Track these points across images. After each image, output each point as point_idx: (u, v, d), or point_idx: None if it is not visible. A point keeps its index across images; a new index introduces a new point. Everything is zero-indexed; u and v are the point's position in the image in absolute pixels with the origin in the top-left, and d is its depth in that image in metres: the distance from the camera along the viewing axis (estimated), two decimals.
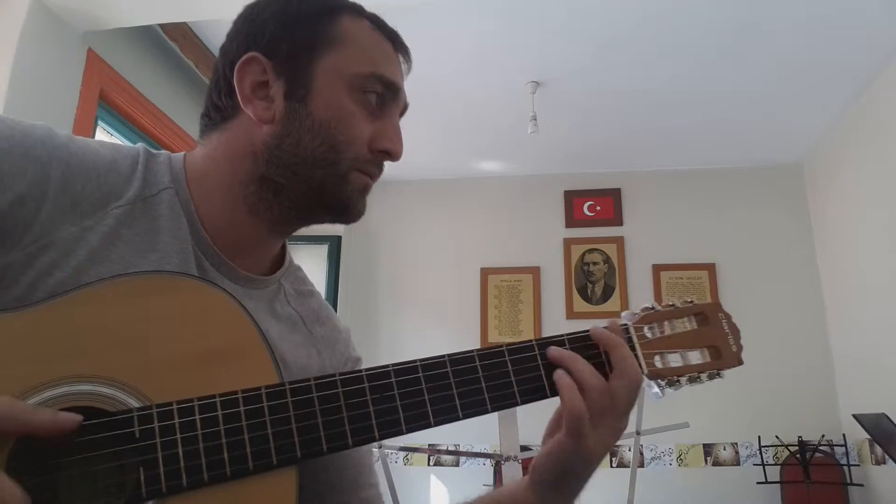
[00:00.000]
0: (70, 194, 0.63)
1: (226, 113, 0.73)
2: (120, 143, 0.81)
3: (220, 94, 0.73)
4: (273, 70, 0.70)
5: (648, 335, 0.72)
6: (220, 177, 0.72)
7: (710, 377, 0.73)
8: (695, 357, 0.73)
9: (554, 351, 0.67)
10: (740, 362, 0.74)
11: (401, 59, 0.77)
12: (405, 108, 0.78)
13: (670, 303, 0.75)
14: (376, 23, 0.75)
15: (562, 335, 0.69)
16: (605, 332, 0.69)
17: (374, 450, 3.07)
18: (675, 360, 0.72)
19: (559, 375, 0.65)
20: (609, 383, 0.65)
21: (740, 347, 0.74)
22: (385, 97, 0.72)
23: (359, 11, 0.74)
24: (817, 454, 3.28)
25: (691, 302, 0.75)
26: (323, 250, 4.09)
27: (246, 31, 0.73)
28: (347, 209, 0.73)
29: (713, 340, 0.74)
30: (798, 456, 3.21)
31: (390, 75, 0.73)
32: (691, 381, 0.72)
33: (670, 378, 0.71)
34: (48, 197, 0.61)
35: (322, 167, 0.70)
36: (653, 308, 0.74)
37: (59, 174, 0.62)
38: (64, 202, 0.62)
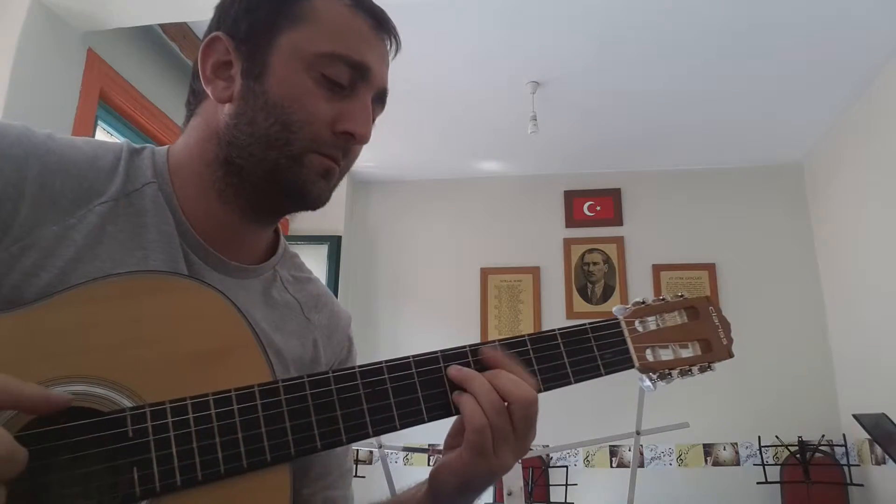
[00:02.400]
0: (48, 192, 0.62)
1: (199, 97, 0.72)
2: (103, 139, 0.80)
3: (195, 78, 0.72)
4: (235, 49, 0.69)
5: (639, 329, 0.72)
6: (193, 163, 0.71)
7: (702, 370, 0.73)
8: (686, 350, 0.73)
9: (454, 370, 0.64)
10: (731, 355, 0.74)
11: (384, 39, 0.73)
12: (383, 91, 0.73)
13: (661, 297, 0.75)
14: (356, 1, 0.71)
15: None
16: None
17: (373, 450, 3.06)
18: (666, 353, 0.72)
19: (458, 395, 0.63)
20: (506, 405, 0.63)
21: (730, 340, 0.75)
22: (353, 78, 0.68)
23: None
24: (817, 454, 3.27)
25: (682, 296, 0.76)
26: (323, 250, 4.09)
27: (217, 13, 0.72)
28: (303, 193, 0.69)
29: (703, 334, 0.74)
30: (798, 456, 3.21)
31: (357, 55, 0.68)
32: (682, 374, 0.72)
33: (661, 371, 0.72)
34: (25, 196, 0.60)
35: (276, 147, 0.66)
36: (643, 302, 0.74)
37: (35, 172, 0.61)
38: (42, 200, 0.61)
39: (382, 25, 0.72)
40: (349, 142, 0.70)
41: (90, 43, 2.43)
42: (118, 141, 0.73)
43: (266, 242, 0.78)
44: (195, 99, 0.73)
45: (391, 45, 0.74)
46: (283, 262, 0.80)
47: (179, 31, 2.80)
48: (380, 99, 0.74)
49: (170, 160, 0.72)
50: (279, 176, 0.68)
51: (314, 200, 0.70)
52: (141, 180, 0.68)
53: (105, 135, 2.68)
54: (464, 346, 0.66)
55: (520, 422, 0.63)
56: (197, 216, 0.70)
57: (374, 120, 0.73)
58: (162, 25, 2.71)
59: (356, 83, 0.69)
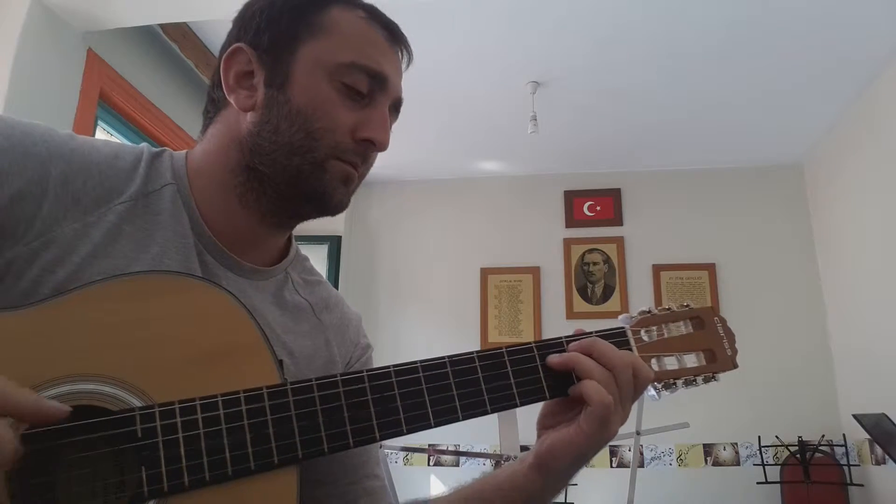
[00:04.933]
0: (71, 191, 0.63)
1: (218, 105, 0.74)
2: (123, 142, 0.81)
3: (215, 87, 0.74)
4: (257, 60, 0.71)
5: (645, 338, 0.73)
6: (214, 169, 0.73)
7: (706, 380, 0.74)
8: (690, 360, 0.74)
9: (555, 358, 0.67)
10: (735, 366, 0.75)
11: (398, 51, 0.76)
12: (398, 101, 0.76)
13: (666, 306, 0.76)
14: (371, 13, 0.74)
15: (559, 338, 0.69)
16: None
17: None
18: (671, 363, 0.73)
19: (583, 382, 0.66)
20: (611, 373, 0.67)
21: (735, 351, 0.75)
22: (371, 87, 0.71)
23: (351, 2, 0.74)
24: (817, 454, 3.28)
25: (687, 306, 0.76)
26: (323, 250, 4.09)
27: (237, 25, 0.74)
28: (325, 198, 0.71)
29: (708, 344, 0.75)
30: (798, 456, 3.21)
31: (375, 65, 0.71)
32: (687, 384, 0.73)
33: (667, 381, 0.72)
34: (48, 193, 0.62)
35: (299, 154, 0.69)
36: (649, 311, 0.75)
37: (59, 171, 0.63)
38: (65, 198, 0.63)
39: (396, 37, 0.75)
40: (369, 149, 0.72)
41: (90, 43, 2.42)
42: (138, 145, 0.74)
43: (280, 246, 0.80)
44: (214, 108, 0.75)
45: (403, 57, 0.77)
46: (294, 265, 0.81)
47: (179, 31, 2.79)
48: (395, 108, 0.76)
49: (188, 164, 0.73)
50: (302, 182, 0.70)
51: (335, 205, 0.73)
52: (160, 182, 0.70)
53: (105, 135, 2.68)
54: (471, 352, 0.66)
55: (626, 386, 0.66)
56: (215, 219, 0.72)
57: (390, 128, 0.75)
58: (162, 25, 2.71)
59: (374, 92, 0.72)
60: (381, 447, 2.83)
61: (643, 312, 0.75)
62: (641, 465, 3.58)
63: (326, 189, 0.71)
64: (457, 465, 3.81)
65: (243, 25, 0.73)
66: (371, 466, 0.80)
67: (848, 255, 3.48)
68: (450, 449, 3.62)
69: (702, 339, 0.75)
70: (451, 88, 3.28)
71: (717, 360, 0.74)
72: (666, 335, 0.74)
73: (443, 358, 0.65)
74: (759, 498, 3.39)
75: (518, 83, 3.22)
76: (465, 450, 3.57)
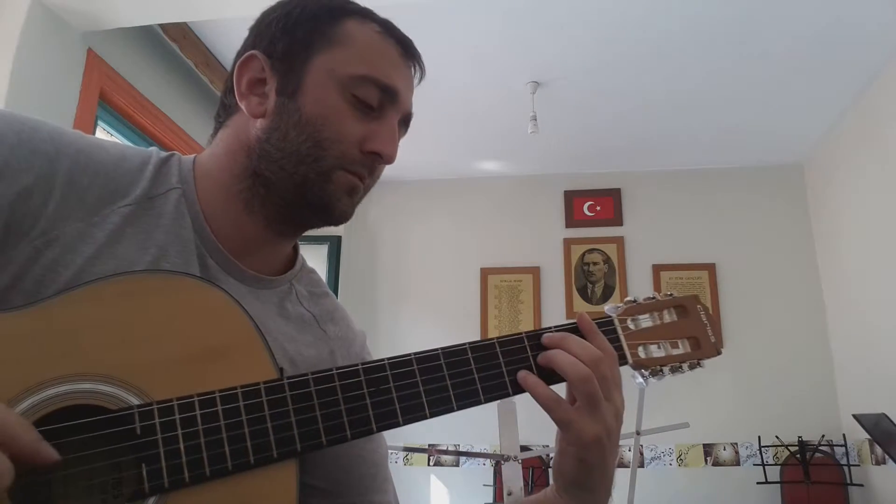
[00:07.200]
0: (76, 189, 0.63)
1: (230, 111, 0.75)
2: (130, 144, 0.82)
3: (227, 93, 0.75)
4: (270, 67, 0.72)
5: (632, 327, 0.74)
6: (220, 173, 0.73)
7: (691, 367, 0.76)
8: (676, 348, 0.76)
9: (546, 337, 0.68)
10: (718, 352, 0.77)
11: (411, 66, 0.76)
12: (408, 116, 0.77)
13: (651, 295, 0.78)
14: (386, 27, 0.74)
15: (549, 328, 0.70)
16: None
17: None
18: (657, 350, 0.74)
19: (554, 353, 0.66)
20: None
21: (718, 338, 0.77)
22: (382, 100, 0.72)
23: (366, 15, 0.74)
24: (817, 454, 3.28)
25: (671, 295, 0.78)
26: (323, 250, 4.09)
27: (254, 33, 0.75)
28: (329, 208, 0.72)
29: (693, 331, 0.77)
30: (798, 456, 3.22)
31: (387, 79, 0.71)
32: (673, 370, 0.75)
33: (653, 368, 0.74)
34: (54, 191, 0.62)
35: (306, 163, 0.69)
36: (635, 301, 0.77)
37: (65, 169, 0.63)
38: (70, 197, 0.63)
39: (409, 53, 0.76)
40: (376, 161, 0.73)
41: (90, 43, 2.43)
42: (147, 148, 0.75)
43: (285, 256, 0.80)
44: (225, 112, 0.76)
45: (416, 72, 0.78)
46: (299, 277, 0.81)
47: (179, 31, 2.80)
48: (405, 122, 0.77)
49: (196, 168, 0.74)
50: (307, 190, 0.70)
51: (339, 215, 0.73)
52: (166, 186, 0.70)
53: (105, 135, 2.68)
54: (463, 344, 0.67)
55: (610, 371, 0.66)
56: (220, 224, 0.72)
57: (398, 142, 0.76)
58: (162, 25, 2.71)
59: (384, 105, 0.72)
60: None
61: (629, 302, 0.76)
62: (641, 465, 3.58)
63: (331, 199, 0.71)
64: (457, 465, 3.81)
65: (259, 34, 0.74)
66: (380, 482, 0.79)
67: (848, 255, 3.48)
68: (450, 449, 3.63)
69: (686, 326, 0.77)
70: (450, 88, 3.28)
71: (701, 347, 0.76)
72: (651, 324, 0.76)
73: (436, 349, 0.66)
74: (759, 498, 3.39)
75: (518, 83, 3.23)
76: (464, 450, 3.58)
